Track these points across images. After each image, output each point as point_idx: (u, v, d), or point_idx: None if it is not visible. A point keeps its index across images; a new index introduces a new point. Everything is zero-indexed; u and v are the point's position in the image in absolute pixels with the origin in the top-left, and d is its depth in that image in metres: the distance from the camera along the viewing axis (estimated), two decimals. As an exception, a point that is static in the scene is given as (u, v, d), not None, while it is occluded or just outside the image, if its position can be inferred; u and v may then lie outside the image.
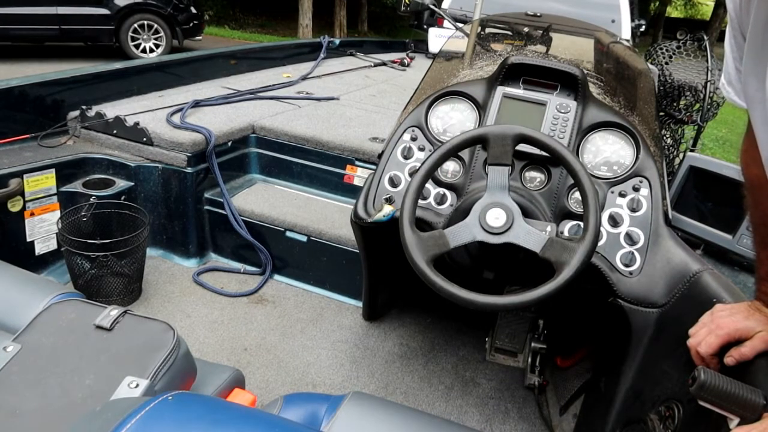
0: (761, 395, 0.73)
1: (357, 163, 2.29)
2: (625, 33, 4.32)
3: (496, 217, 1.08)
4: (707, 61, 1.93)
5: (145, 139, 2.12)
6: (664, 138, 1.99)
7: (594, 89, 1.46)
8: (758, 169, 0.87)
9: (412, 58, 4.42)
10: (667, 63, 2.06)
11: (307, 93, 2.98)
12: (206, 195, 2.22)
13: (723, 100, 1.87)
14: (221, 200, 2.19)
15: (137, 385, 0.85)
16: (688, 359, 0.96)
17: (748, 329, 0.85)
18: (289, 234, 2.14)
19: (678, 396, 1.05)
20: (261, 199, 2.26)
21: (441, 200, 1.36)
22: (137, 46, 7.26)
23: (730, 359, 0.85)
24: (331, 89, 3.13)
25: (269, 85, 2.96)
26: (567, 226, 1.29)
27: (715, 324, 0.89)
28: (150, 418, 0.56)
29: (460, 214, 1.27)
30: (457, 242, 1.08)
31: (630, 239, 1.22)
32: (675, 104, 2.03)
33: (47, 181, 1.92)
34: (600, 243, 1.23)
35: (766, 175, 0.81)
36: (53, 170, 1.94)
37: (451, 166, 1.38)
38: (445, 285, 1.04)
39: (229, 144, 2.31)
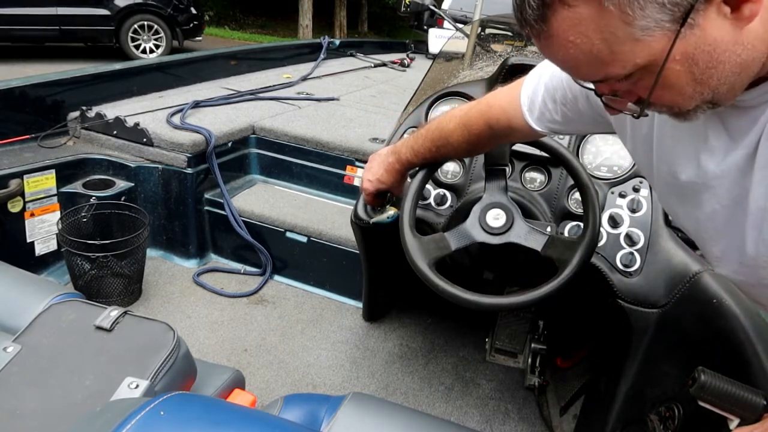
0: (761, 396, 0.73)
1: (357, 163, 2.29)
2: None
3: (495, 218, 1.08)
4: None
5: (145, 139, 2.12)
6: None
7: (594, 90, 1.46)
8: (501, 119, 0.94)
9: (412, 59, 4.43)
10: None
11: (307, 93, 2.98)
12: (206, 196, 2.22)
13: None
14: (221, 201, 2.18)
15: (137, 386, 0.85)
16: (688, 360, 0.96)
17: None
18: (289, 235, 2.14)
19: (678, 396, 1.05)
20: (261, 199, 2.26)
21: (441, 201, 1.36)
22: (137, 47, 7.25)
23: None
24: (331, 90, 3.13)
25: (269, 86, 2.96)
26: (567, 226, 1.29)
27: None
28: (150, 418, 0.56)
29: (459, 214, 1.27)
30: (459, 244, 1.07)
31: (630, 240, 1.22)
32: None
33: (47, 181, 1.92)
34: (600, 243, 1.23)
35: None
36: (53, 171, 1.94)
37: (451, 167, 1.38)
38: (449, 287, 1.04)
39: (229, 145, 2.31)
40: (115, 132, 2.17)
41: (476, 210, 1.09)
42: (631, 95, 0.55)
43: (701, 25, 0.47)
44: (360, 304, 2.05)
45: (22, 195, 1.84)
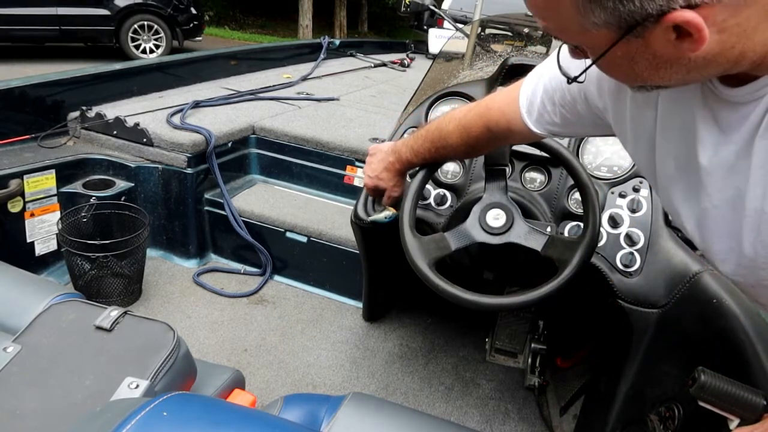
0: (762, 396, 0.73)
1: (357, 163, 2.29)
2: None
3: (495, 218, 1.08)
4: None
5: (145, 139, 2.12)
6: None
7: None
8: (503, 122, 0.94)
9: (412, 59, 4.43)
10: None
11: (307, 94, 2.98)
12: (206, 196, 2.22)
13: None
14: (221, 201, 2.18)
15: (137, 386, 0.85)
16: (689, 360, 0.96)
17: None
18: (289, 235, 2.14)
19: (678, 396, 1.05)
20: (261, 199, 2.26)
21: (441, 201, 1.36)
22: (137, 47, 7.24)
23: None
24: (331, 90, 3.13)
25: (269, 86, 2.96)
26: (567, 226, 1.29)
27: None
28: (150, 418, 0.56)
29: (459, 214, 1.27)
30: (459, 244, 1.08)
31: (630, 240, 1.22)
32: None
33: (47, 181, 1.92)
34: (600, 243, 1.23)
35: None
36: (53, 171, 1.94)
37: (451, 167, 1.39)
38: (449, 288, 1.04)
39: (229, 145, 2.31)
40: (115, 132, 2.17)
41: (476, 210, 1.09)
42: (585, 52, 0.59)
43: (646, 37, 0.49)
44: (360, 304, 2.05)
45: (22, 195, 1.84)
